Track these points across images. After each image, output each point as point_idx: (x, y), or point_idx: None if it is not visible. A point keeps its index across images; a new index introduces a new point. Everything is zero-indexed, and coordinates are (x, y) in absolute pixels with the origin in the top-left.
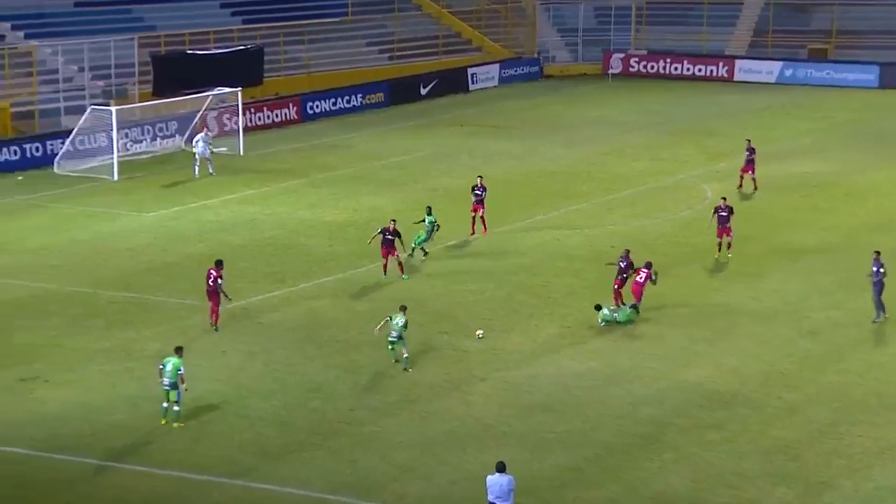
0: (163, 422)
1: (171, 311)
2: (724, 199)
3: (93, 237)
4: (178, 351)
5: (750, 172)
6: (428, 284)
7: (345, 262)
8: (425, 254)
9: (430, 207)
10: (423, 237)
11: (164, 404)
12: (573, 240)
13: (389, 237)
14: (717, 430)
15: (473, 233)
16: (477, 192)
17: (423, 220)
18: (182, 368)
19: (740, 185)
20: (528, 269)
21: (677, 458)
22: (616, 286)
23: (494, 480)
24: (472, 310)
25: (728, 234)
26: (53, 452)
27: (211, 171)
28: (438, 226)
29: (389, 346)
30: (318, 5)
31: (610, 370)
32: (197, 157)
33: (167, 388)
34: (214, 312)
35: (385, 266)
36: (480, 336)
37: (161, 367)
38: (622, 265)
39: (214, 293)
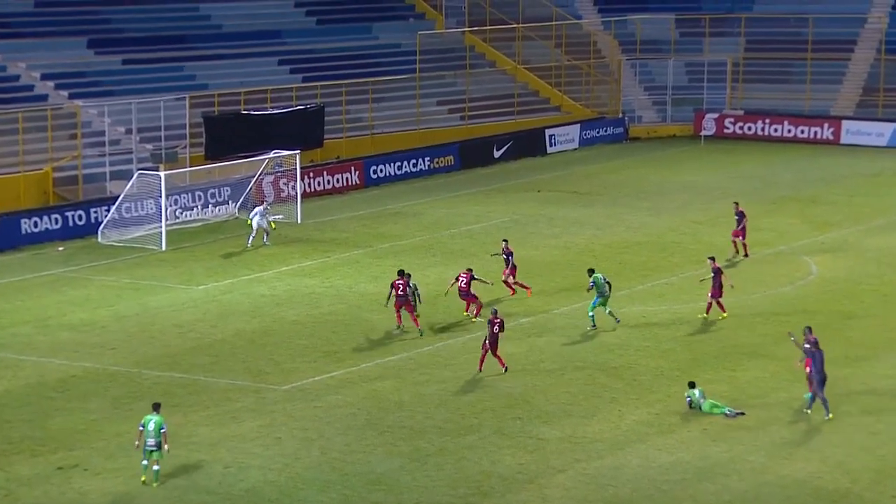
0: (143, 479)
1: (220, 393)
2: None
3: (138, 312)
4: (157, 408)
5: (741, 238)
6: (499, 364)
7: (410, 340)
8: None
9: (591, 269)
10: (597, 300)
11: (145, 462)
12: (661, 317)
13: (465, 285)
14: None
15: (514, 292)
16: (503, 256)
17: (593, 282)
18: (164, 426)
19: (737, 252)
20: (611, 349)
21: None
22: (484, 350)
23: None
24: (548, 393)
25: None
26: None
27: (265, 240)
28: (609, 284)
29: None
30: (383, 61)
31: (702, 463)
32: (254, 228)
33: (152, 448)
34: (415, 320)
35: (473, 308)
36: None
37: (141, 427)
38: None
39: (407, 303)
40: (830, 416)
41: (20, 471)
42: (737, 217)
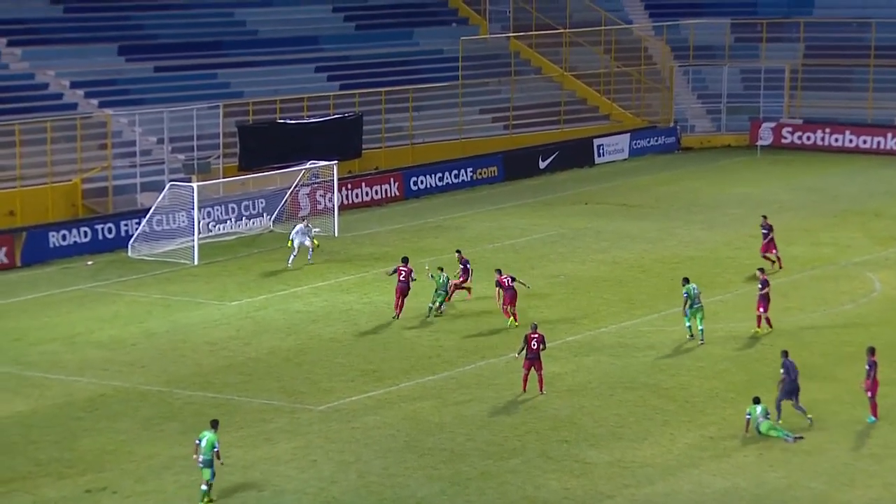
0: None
1: (254, 414)
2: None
3: (169, 329)
4: (214, 425)
5: (772, 251)
6: (545, 384)
7: (452, 359)
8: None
9: (686, 278)
10: (697, 311)
11: (204, 487)
12: (715, 335)
13: (510, 287)
14: None
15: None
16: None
17: (686, 295)
18: (217, 445)
19: (772, 263)
20: (662, 369)
21: None
22: None
23: None
24: (596, 415)
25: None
26: None
27: (309, 257)
28: (699, 294)
29: None
30: (424, 68)
31: (759, 489)
32: (296, 247)
33: (201, 465)
34: (401, 306)
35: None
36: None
37: (197, 442)
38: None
39: (407, 289)
40: (780, 422)
41: (47, 493)
42: (764, 231)
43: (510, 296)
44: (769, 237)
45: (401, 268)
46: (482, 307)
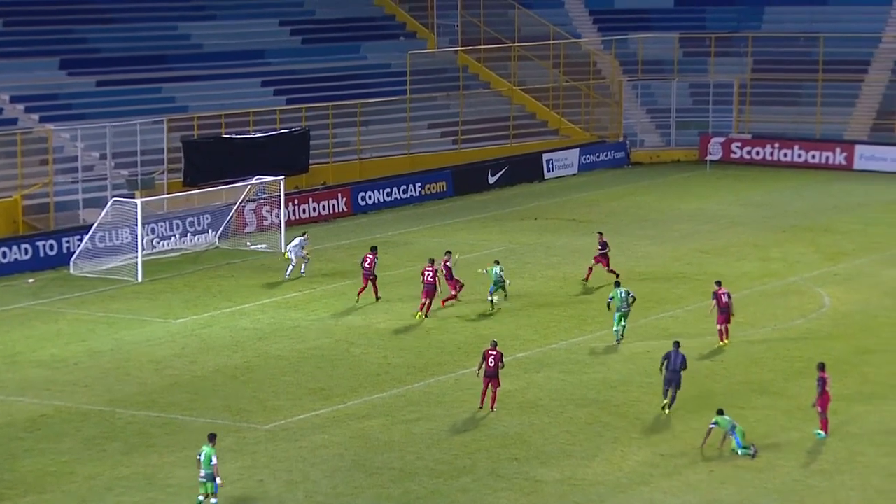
0: None
1: (199, 433)
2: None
3: (112, 348)
4: (212, 438)
5: (603, 265)
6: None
7: (400, 376)
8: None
9: (618, 282)
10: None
11: (200, 497)
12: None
13: (431, 279)
14: None
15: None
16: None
17: (612, 298)
18: (214, 459)
19: (587, 278)
20: (613, 386)
21: None
22: None
23: None
24: (547, 432)
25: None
26: None
27: (302, 271)
28: (634, 298)
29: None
30: (371, 83)
31: None
32: (293, 260)
33: (203, 479)
34: (363, 290)
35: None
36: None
37: (199, 457)
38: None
39: (371, 276)
40: (667, 411)
41: None
42: (599, 246)
43: (427, 291)
44: (605, 252)
45: (367, 255)
46: (430, 324)
